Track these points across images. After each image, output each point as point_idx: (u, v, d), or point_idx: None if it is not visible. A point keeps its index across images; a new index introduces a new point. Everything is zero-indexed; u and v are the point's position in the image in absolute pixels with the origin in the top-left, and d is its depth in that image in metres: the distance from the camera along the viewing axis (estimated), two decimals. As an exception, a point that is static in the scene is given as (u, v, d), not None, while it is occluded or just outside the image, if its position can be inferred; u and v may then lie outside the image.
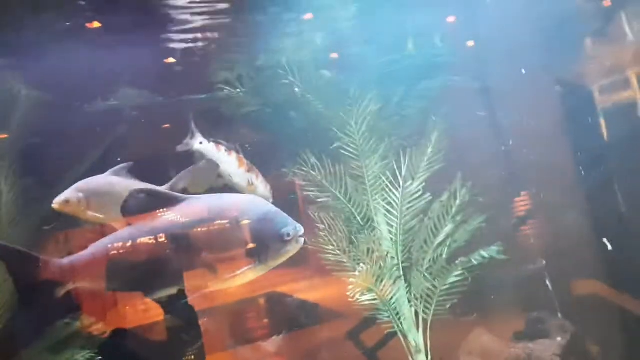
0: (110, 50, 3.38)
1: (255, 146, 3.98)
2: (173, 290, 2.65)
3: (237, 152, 3.78)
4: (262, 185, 3.84)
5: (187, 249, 2.64)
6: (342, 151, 3.98)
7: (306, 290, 4.66)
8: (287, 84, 3.83)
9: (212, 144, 3.63)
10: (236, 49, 3.92)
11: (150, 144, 3.86)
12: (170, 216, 2.62)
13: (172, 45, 3.63)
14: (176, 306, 3.47)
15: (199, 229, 2.65)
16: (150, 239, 2.58)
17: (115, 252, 2.54)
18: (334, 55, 3.92)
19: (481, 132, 4.89)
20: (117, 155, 3.63)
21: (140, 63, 3.56)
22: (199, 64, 3.87)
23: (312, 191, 4.00)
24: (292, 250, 2.77)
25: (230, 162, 3.64)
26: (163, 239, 2.58)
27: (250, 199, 2.90)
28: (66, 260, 2.49)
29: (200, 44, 3.72)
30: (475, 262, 3.87)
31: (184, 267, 2.61)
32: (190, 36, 3.60)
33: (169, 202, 2.63)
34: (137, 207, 2.59)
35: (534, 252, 5.03)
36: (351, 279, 3.56)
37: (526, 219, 5.14)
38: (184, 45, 3.62)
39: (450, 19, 4.51)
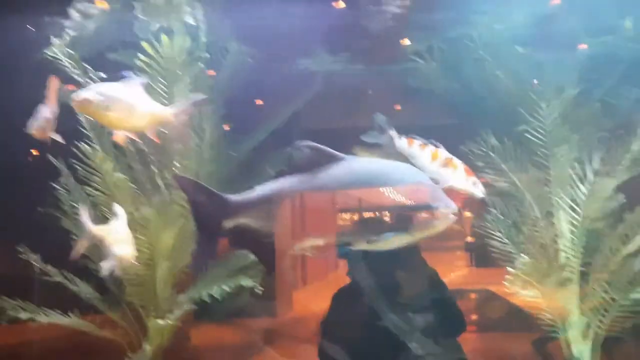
0: (313, 9, 3.59)
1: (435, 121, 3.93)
2: (321, 242, 2.85)
3: (436, 145, 3.63)
4: (461, 180, 3.42)
5: (338, 206, 2.79)
6: (528, 135, 3.74)
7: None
8: (478, 60, 3.70)
9: (404, 140, 3.39)
10: (429, 20, 3.87)
11: (334, 113, 4.04)
12: (330, 172, 2.78)
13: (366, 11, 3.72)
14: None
15: (354, 189, 2.78)
16: (310, 190, 2.80)
17: (278, 196, 2.81)
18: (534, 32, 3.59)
19: None
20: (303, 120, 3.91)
21: (338, 25, 3.74)
22: (391, 33, 3.91)
23: (489, 174, 3.86)
24: (440, 225, 2.72)
25: (422, 157, 3.35)
26: (321, 192, 2.78)
27: (407, 168, 2.90)
28: (236, 197, 2.84)
29: (395, 9, 3.71)
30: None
31: (334, 223, 2.78)
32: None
33: (331, 158, 2.79)
34: (302, 158, 2.81)
35: None
36: (511, 269, 3.37)
37: None
38: (377, 10, 3.68)
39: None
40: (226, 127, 3.68)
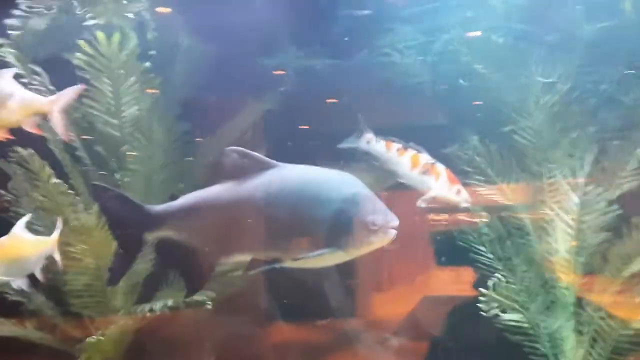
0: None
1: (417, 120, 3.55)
2: (247, 258, 2.57)
3: (417, 150, 3.28)
4: (443, 189, 3.20)
5: (265, 218, 2.50)
6: (517, 137, 3.30)
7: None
8: (459, 53, 3.29)
9: (381, 143, 3.23)
10: (406, 11, 3.48)
11: (310, 116, 3.76)
12: (260, 180, 2.50)
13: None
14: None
15: (281, 199, 2.48)
16: (235, 201, 2.52)
17: (203, 206, 2.56)
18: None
19: None
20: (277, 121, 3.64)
21: (306, 19, 3.45)
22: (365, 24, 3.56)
23: (476, 180, 3.45)
24: (378, 242, 2.38)
25: (402, 163, 3.18)
26: (246, 203, 2.51)
27: (343, 177, 2.57)
28: (157, 208, 2.61)
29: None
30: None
31: (261, 236, 2.49)
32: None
33: (261, 165, 2.52)
34: (230, 165, 2.55)
35: None
36: (483, 290, 2.95)
37: None
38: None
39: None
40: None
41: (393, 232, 2.37)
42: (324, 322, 4.17)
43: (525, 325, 3.13)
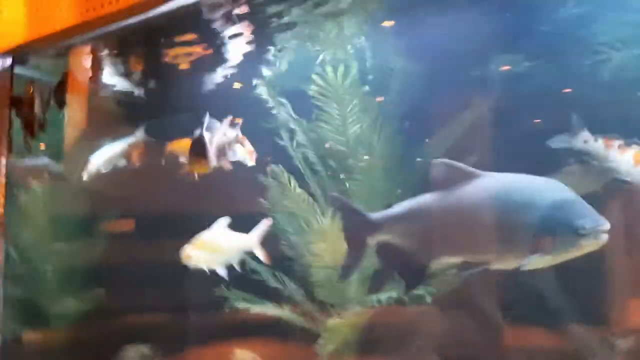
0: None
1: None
2: (456, 260, 2.81)
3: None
4: None
5: (472, 224, 2.71)
6: None
7: None
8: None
9: (600, 142, 3.12)
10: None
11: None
12: (467, 190, 2.73)
13: None
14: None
15: (487, 207, 2.66)
16: (443, 208, 2.78)
17: (416, 214, 2.89)
18: None
19: None
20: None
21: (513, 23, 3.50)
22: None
23: None
24: (587, 246, 2.38)
25: (623, 162, 3.05)
26: (453, 211, 2.75)
27: (549, 183, 2.61)
28: (376, 215, 3.02)
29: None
30: None
31: (469, 241, 2.71)
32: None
33: (467, 175, 2.74)
34: (438, 176, 2.83)
35: None
36: None
37: None
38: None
39: None
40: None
41: (604, 236, 2.40)
42: (572, 327, 3.76)
43: None
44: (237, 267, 3.63)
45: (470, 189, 2.73)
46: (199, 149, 3.56)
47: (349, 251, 3.10)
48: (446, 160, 2.82)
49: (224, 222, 3.63)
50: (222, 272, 3.54)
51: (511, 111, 3.95)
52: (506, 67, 3.70)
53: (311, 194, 3.94)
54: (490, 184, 2.71)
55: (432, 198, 2.86)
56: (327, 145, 3.88)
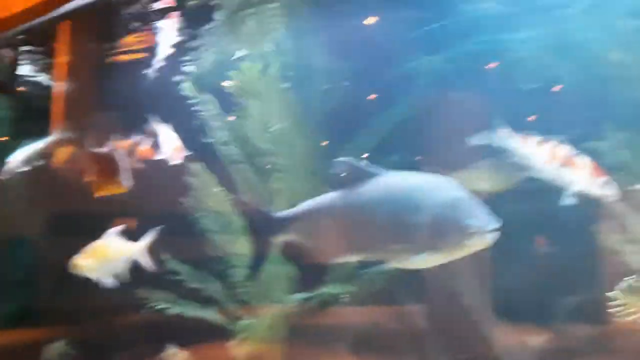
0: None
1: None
2: (356, 258, 2.79)
3: (558, 143, 3.08)
4: (586, 181, 2.96)
5: (369, 223, 2.69)
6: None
7: None
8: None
9: (517, 138, 3.12)
10: None
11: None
12: (365, 188, 2.70)
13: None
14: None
15: (383, 205, 2.65)
16: (343, 207, 2.76)
17: (318, 213, 2.85)
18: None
19: None
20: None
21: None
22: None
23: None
24: (474, 245, 2.39)
25: (538, 156, 3.05)
26: (352, 210, 2.72)
27: (444, 182, 2.61)
28: (279, 214, 2.98)
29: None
30: None
31: (366, 240, 2.68)
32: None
33: (366, 174, 2.71)
34: (339, 175, 2.80)
35: None
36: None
37: None
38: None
39: None
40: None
41: (491, 236, 2.40)
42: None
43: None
44: (125, 276, 3.54)
45: (368, 188, 2.71)
46: (108, 168, 3.30)
47: (254, 251, 3.05)
48: (347, 159, 2.79)
49: (115, 230, 3.53)
50: (109, 281, 3.45)
51: (435, 109, 4.01)
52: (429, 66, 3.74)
53: (235, 192, 3.89)
54: (386, 183, 2.69)
55: (333, 197, 2.83)
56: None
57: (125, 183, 3.39)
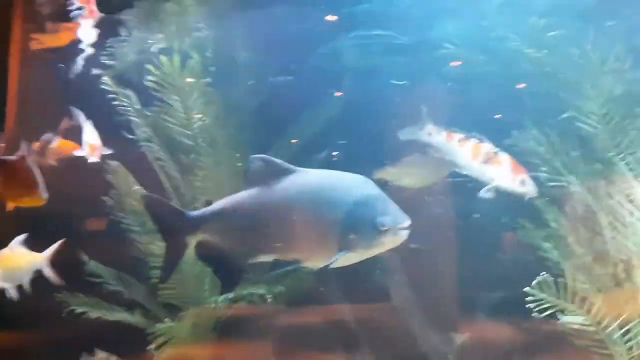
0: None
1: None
2: (269, 259, 2.71)
3: (480, 140, 3.13)
4: (507, 178, 3.06)
5: (284, 221, 2.62)
6: (580, 124, 2.94)
7: None
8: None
9: (443, 135, 3.20)
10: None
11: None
12: (280, 186, 2.63)
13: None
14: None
15: (297, 204, 2.58)
16: (258, 206, 2.68)
17: (233, 211, 2.75)
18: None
19: None
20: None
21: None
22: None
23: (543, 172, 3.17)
24: (388, 243, 2.37)
25: (462, 154, 3.13)
26: (267, 208, 2.64)
27: (357, 180, 2.57)
28: (194, 213, 2.86)
29: None
30: None
31: (281, 239, 2.61)
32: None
33: (282, 171, 2.64)
34: (254, 172, 2.71)
35: None
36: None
37: None
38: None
39: None
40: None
41: (404, 233, 2.37)
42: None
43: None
44: (27, 287, 3.37)
45: (282, 186, 2.63)
46: (24, 178, 2.87)
47: (167, 252, 2.91)
48: (262, 156, 2.70)
49: (19, 239, 3.36)
50: (12, 292, 3.28)
51: (364, 105, 3.98)
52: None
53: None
54: (302, 180, 2.62)
55: (248, 195, 2.73)
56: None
57: (45, 195, 3.08)
